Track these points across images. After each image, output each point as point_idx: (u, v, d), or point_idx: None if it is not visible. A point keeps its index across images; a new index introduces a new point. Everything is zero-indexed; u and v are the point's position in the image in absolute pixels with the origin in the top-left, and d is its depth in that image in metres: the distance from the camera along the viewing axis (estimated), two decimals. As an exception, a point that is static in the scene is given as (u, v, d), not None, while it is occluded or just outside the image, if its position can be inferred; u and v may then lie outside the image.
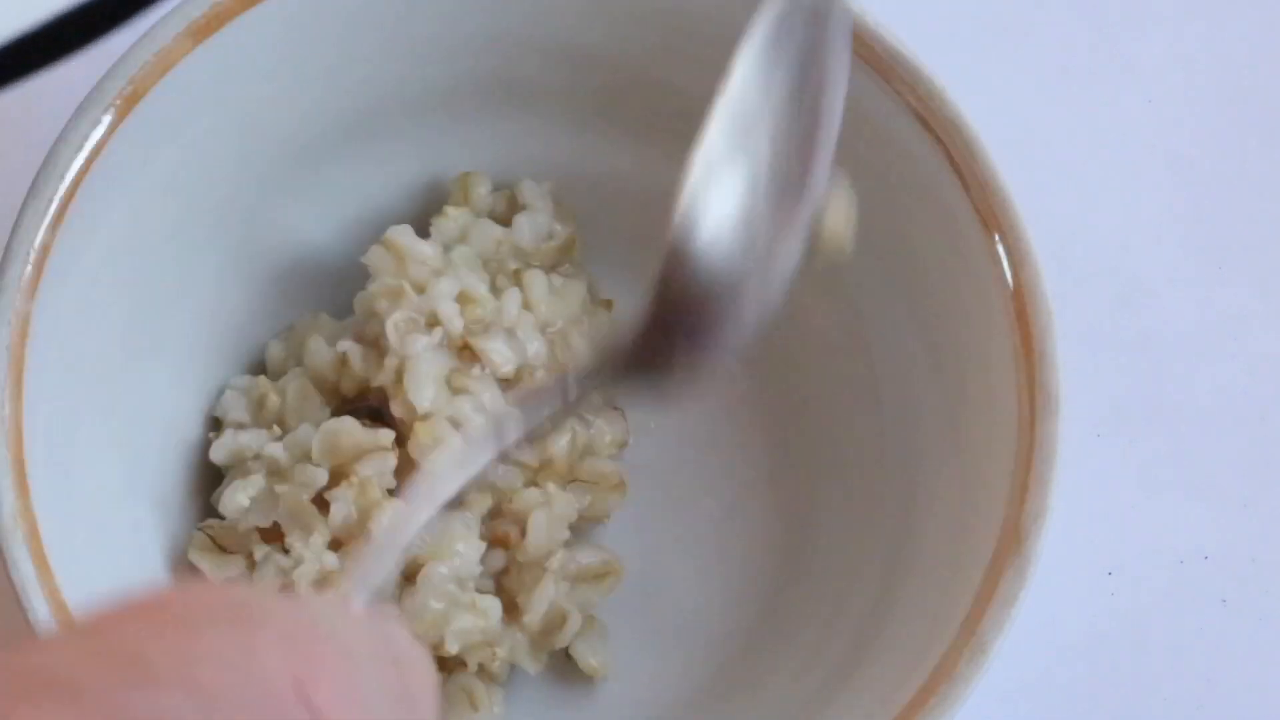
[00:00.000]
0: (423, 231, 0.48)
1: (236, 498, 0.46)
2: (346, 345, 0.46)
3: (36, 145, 0.42)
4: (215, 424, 0.49)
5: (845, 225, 0.34)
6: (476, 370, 0.46)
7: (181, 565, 0.47)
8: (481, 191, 0.50)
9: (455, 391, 0.45)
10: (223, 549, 0.46)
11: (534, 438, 0.33)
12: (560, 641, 0.47)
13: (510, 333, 0.46)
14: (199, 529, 0.47)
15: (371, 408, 0.47)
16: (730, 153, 0.32)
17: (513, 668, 0.48)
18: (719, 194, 0.32)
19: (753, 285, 0.33)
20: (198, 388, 0.48)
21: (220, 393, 0.49)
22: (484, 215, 0.49)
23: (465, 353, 0.46)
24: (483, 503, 0.46)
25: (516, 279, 0.48)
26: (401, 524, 0.31)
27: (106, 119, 0.42)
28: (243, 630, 0.24)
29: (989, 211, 0.43)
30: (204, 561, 0.46)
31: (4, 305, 0.41)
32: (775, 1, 0.33)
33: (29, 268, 0.41)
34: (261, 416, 0.48)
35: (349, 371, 0.46)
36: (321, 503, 0.45)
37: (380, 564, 0.31)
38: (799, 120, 0.32)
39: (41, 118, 0.45)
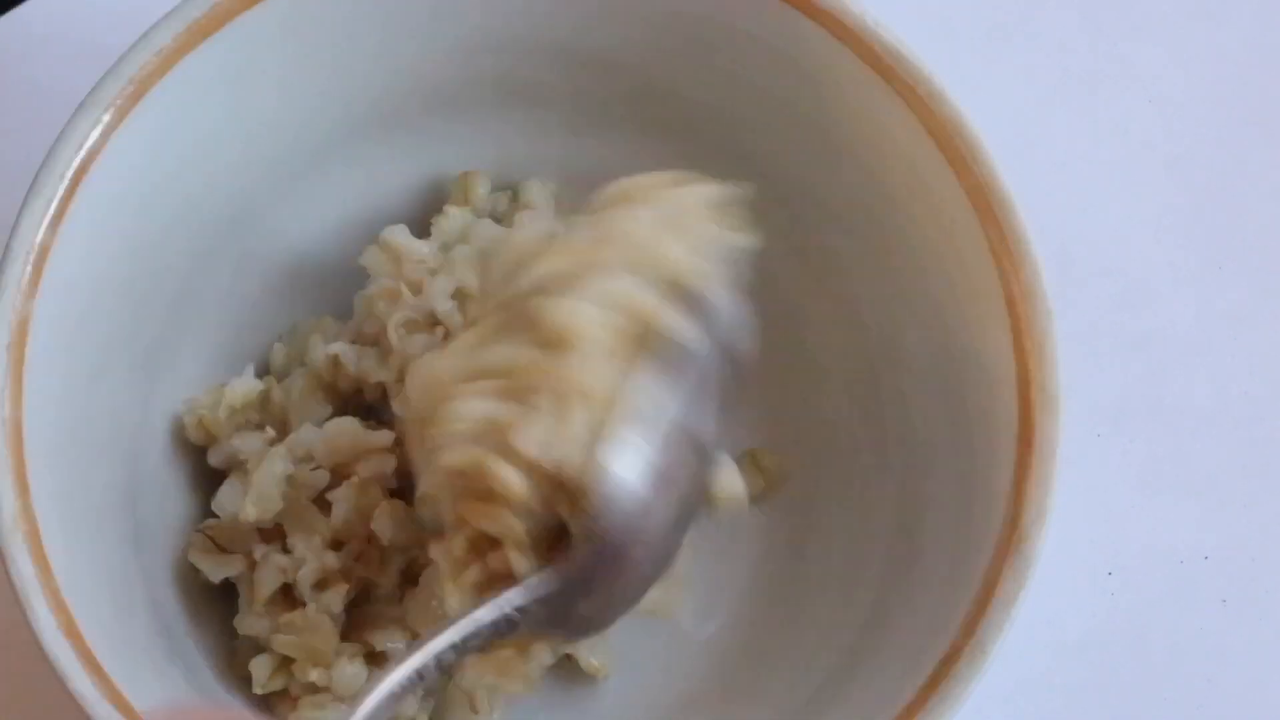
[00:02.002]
0: (426, 232, 0.48)
1: (236, 498, 0.46)
2: (338, 346, 0.46)
3: (37, 145, 0.42)
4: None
5: (733, 490, 0.40)
6: None
7: (182, 565, 0.47)
8: (481, 191, 0.50)
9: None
10: (222, 549, 0.46)
11: (465, 653, 0.37)
12: (566, 648, 0.47)
13: None
14: (198, 530, 0.47)
15: (368, 405, 0.47)
16: (635, 446, 0.37)
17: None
18: (627, 475, 0.37)
19: (651, 550, 0.38)
20: (200, 388, 0.48)
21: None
22: (484, 215, 0.49)
23: None
24: None
25: None
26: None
27: (106, 119, 0.42)
28: None
29: (989, 211, 0.43)
30: (204, 563, 0.46)
31: (4, 305, 0.41)
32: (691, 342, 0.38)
33: (29, 268, 0.41)
34: (265, 414, 0.48)
35: (343, 371, 0.46)
36: (323, 503, 0.45)
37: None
38: (689, 425, 0.38)
39: (41, 118, 0.45)
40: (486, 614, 0.37)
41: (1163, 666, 0.52)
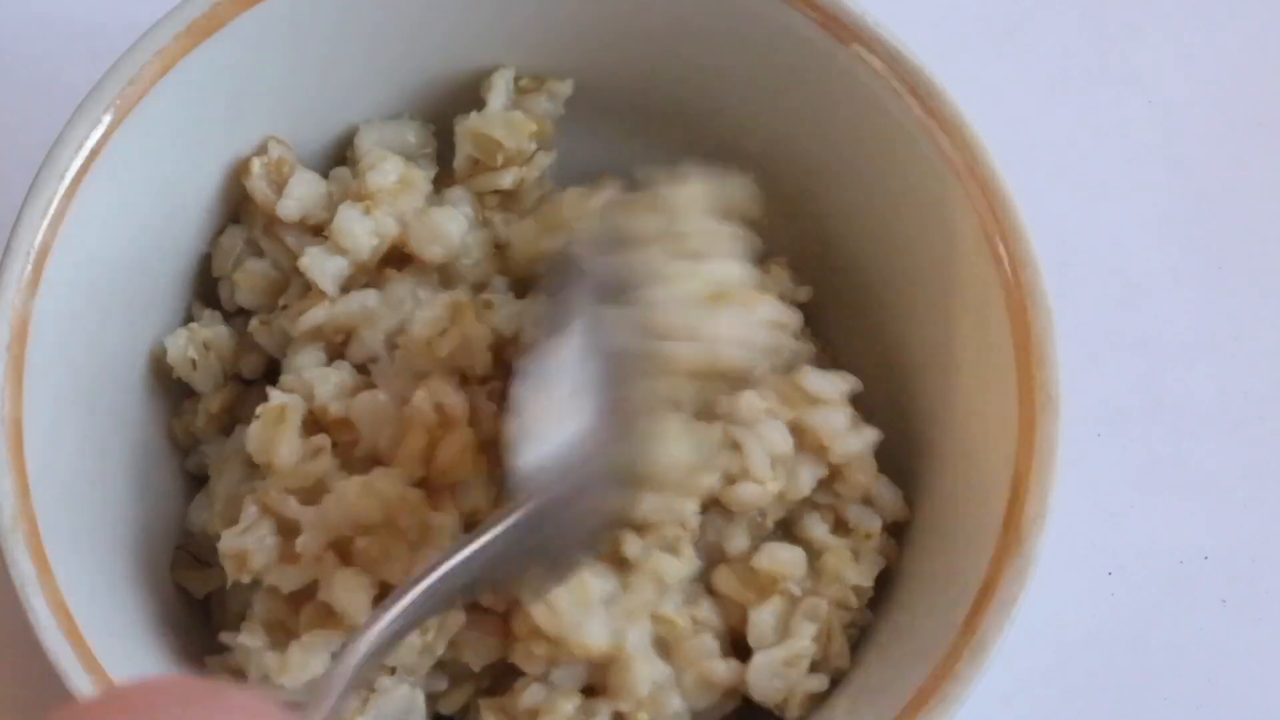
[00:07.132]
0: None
1: (203, 514, 0.46)
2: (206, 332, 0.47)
3: (36, 145, 0.42)
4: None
5: (671, 459, 0.42)
6: None
7: (181, 565, 0.47)
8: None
9: None
10: (203, 564, 0.46)
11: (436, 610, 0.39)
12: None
13: None
14: (179, 547, 0.47)
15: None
16: (551, 412, 0.40)
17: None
18: (546, 439, 0.40)
19: (577, 504, 0.40)
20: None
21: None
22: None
23: None
24: None
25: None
26: (348, 655, 0.36)
27: (106, 119, 0.42)
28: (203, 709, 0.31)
29: (989, 211, 0.43)
30: (186, 580, 0.46)
31: (4, 305, 0.41)
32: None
33: (29, 268, 0.41)
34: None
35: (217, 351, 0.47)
36: None
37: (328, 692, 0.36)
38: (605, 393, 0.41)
39: (41, 118, 0.45)
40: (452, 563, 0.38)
41: (1163, 666, 0.52)
